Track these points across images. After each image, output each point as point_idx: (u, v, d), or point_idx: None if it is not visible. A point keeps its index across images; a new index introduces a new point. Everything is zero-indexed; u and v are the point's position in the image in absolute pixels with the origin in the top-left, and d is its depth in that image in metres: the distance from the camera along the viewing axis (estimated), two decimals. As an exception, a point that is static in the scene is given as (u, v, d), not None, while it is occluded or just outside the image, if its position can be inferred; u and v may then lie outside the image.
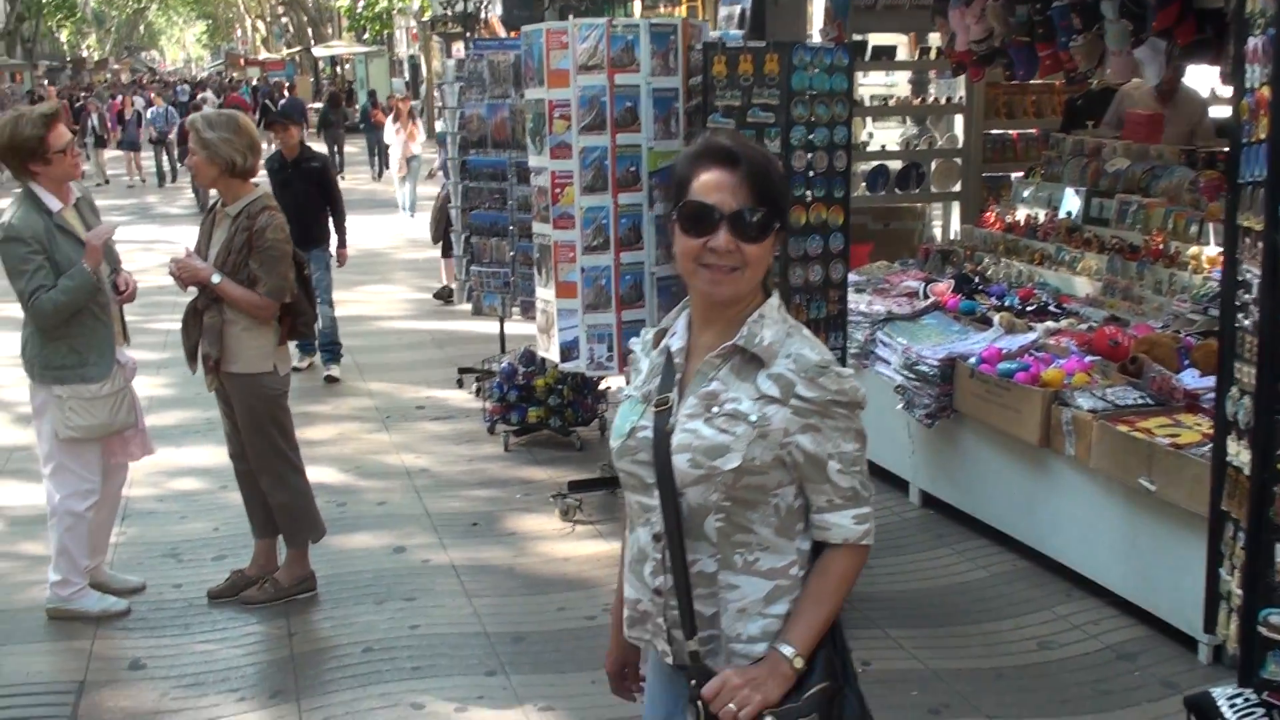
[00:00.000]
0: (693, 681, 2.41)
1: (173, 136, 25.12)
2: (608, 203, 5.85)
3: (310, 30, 46.50)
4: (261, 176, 6.20)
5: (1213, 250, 6.44)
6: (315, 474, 5.59)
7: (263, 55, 57.96)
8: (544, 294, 6.14)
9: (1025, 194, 8.22)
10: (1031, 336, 6.18)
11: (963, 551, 5.95)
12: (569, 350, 6.04)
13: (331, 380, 9.37)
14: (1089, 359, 5.78)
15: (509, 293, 7.69)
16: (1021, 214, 8.06)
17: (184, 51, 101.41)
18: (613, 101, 5.75)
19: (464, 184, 7.99)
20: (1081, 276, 7.15)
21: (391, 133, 19.75)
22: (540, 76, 5.83)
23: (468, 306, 9.25)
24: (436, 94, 35.95)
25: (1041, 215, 7.85)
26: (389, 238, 17.27)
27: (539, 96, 5.88)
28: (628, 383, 2.62)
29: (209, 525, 6.44)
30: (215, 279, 5.01)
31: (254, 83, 47.78)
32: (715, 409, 2.38)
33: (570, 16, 21.00)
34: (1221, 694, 3.37)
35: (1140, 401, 5.32)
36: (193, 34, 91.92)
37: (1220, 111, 9.20)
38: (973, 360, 5.98)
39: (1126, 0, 6.83)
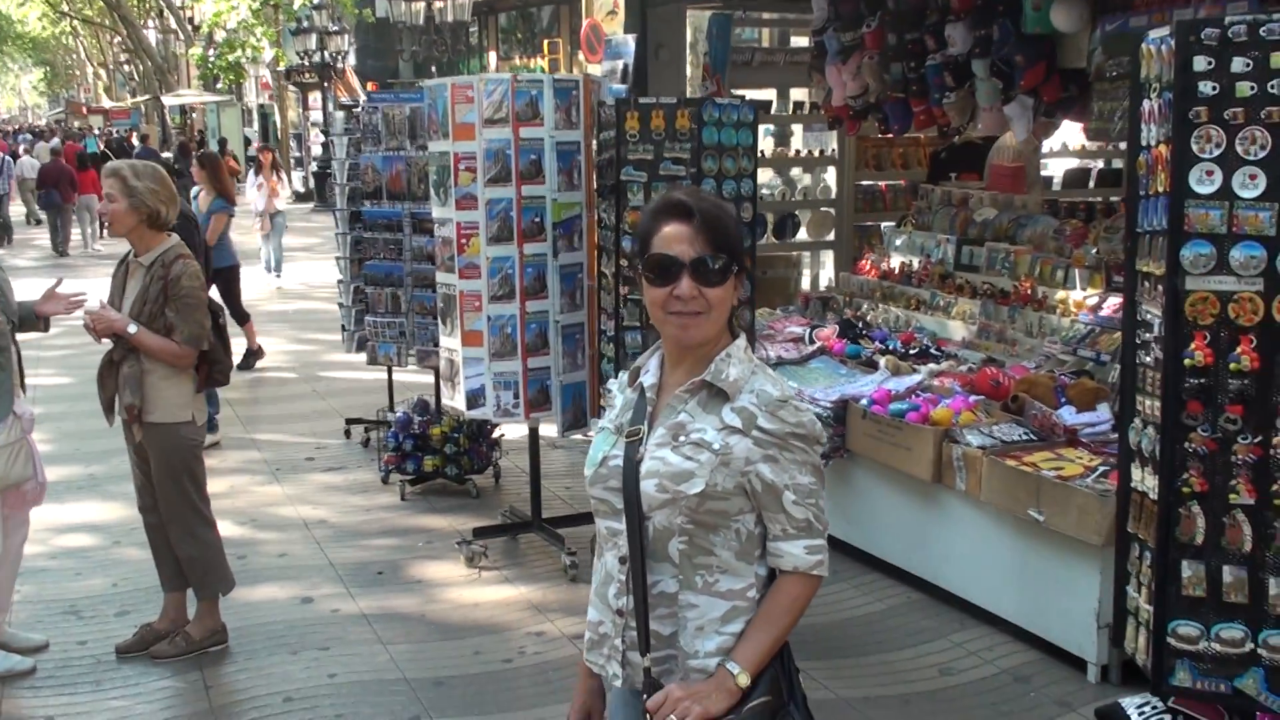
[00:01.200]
0: (645, 697, 2.53)
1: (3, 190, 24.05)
2: (513, 253, 5.99)
3: (157, 78, 45.44)
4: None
5: (1079, 294, 6.85)
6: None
7: (106, 103, 56.45)
8: (449, 343, 6.22)
9: (898, 242, 8.58)
10: (917, 378, 6.46)
11: (859, 586, 6.17)
12: (475, 398, 6.13)
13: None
14: (973, 398, 6.07)
15: (404, 342, 7.74)
16: (896, 261, 8.42)
17: (19, 99, 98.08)
18: (517, 154, 5.90)
19: (356, 234, 8.04)
20: (956, 321, 7.50)
21: (253, 188, 17.23)
22: (445, 130, 5.94)
23: (351, 357, 9.24)
24: (293, 144, 35.52)
25: (915, 262, 8.21)
26: (255, 290, 16.96)
27: (444, 149, 5.98)
28: (599, 417, 2.77)
29: (107, 581, 6.32)
30: (132, 329, 4.98)
31: (96, 131, 46.47)
32: (682, 438, 2.54)
33: (433, 69, 21.13)
34: (1130, 703, 3.63)
35: (1025, 438, 5.63)
36: (29, 80, 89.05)
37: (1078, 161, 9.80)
38: (864, 402, 6.21)
39: (996, 60, 7.24)
